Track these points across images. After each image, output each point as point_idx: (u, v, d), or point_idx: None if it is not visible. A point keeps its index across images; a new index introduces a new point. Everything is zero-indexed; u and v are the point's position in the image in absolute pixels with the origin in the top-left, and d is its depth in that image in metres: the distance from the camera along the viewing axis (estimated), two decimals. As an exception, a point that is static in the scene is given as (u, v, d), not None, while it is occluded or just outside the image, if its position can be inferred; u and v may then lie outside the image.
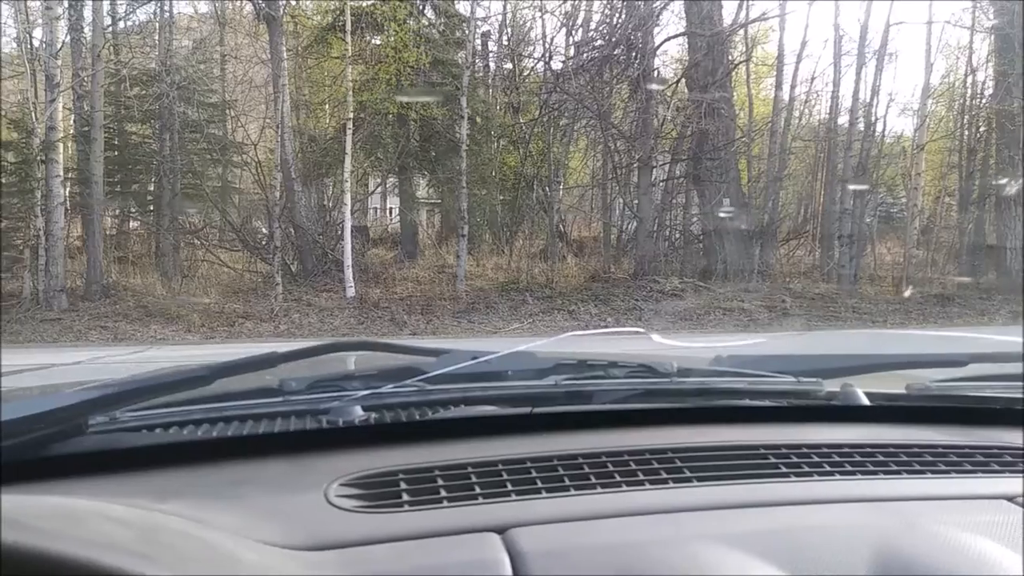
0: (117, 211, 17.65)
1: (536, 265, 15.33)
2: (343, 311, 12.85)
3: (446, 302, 13.28)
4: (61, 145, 13.52)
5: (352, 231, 14.19)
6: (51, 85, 12.61)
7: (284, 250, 14.13)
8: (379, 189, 19.44)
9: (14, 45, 15.83)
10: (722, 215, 14.71)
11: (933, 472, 1.10)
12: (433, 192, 19.12)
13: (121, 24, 17.80)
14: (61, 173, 13.20)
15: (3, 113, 16.05)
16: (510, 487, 0.98)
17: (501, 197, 18.11)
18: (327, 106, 18.26)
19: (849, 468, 1.09)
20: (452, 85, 15.39)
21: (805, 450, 1.14)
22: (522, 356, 1.37)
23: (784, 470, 1.07)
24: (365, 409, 1.17)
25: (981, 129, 18.41)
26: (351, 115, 14.02)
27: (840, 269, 15.33)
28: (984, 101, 18.39)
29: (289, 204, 14.31)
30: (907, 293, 14.12)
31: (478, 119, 16.38)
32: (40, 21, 13.41)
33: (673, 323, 12.53)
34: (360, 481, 0.98)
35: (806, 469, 1.08)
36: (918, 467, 1.11)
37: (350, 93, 14.09)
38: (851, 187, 15.55)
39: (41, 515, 0.67)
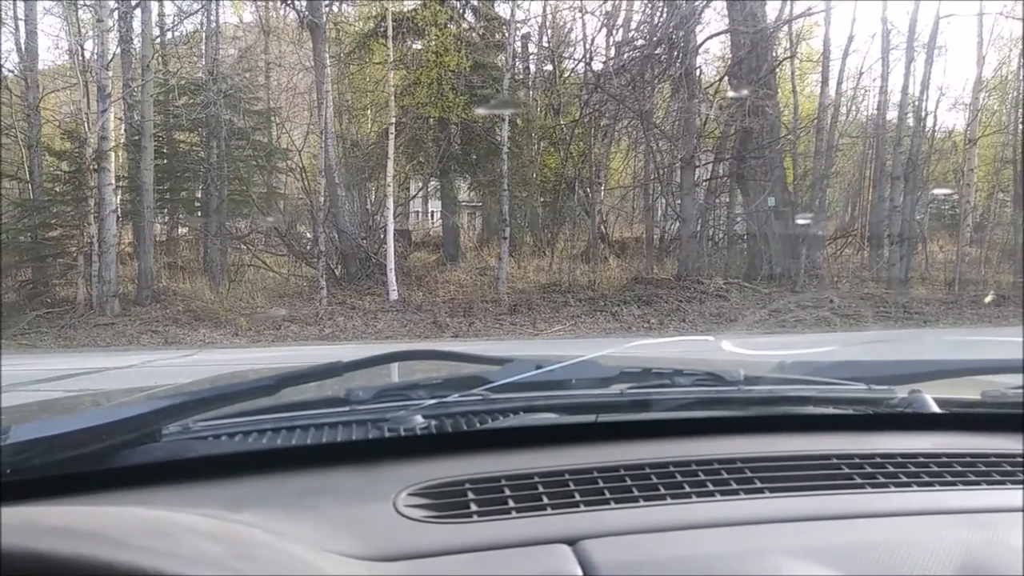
0: (166, 218, 18.07)
1: (578, 267, 15.30)
2: (386, 314, 12.97)
3: (488, 304, 13.33)
4: (113, 154, 13.87)
5: (395, 235, 14.34)
6: (103, 96, 12.97)
7: (328, 254, 14.31)
8: (421, 193, 19.58)
9: (67, 57, 16.28)
10: (766, 214, 14.51)
11: (1013, 483, 1.05)
12: (474, 195, 19.21)
13: (169, 35, 18.23)
14: (113, 181, 13.56)
15: (57, 124, 16.55)
16: (578, 497, 0.96)
17: (542, 199, 18.12)
18: (369, 111, 18.47)
19: (926, 479, 1.05)
20: (493, 88, 15.43)
21: (879, 460, 1.10)
22: (587, 365, 1.35)
23: (859, 481, 1.04)
24: (429, 418, 1.17)
25: (1036, 123, 17.88)
26: (393, 119, 14.15)
27: (890, 268, 15.00)
28: (1039, 94, 17.89)
29: (333, 209, 14.49)
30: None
31: (519, 121, 16.41)
32: (91, 34, 13.80)
33: (717, 324, 12.40)
34: (428, 491, 0.97)
35: (881, 480, 1.04)
36: (998, 477, 1.06)
37: (392, 98, 14.20)
38: (901, 184, 15.22)
39: (129, 529, 0.67)
